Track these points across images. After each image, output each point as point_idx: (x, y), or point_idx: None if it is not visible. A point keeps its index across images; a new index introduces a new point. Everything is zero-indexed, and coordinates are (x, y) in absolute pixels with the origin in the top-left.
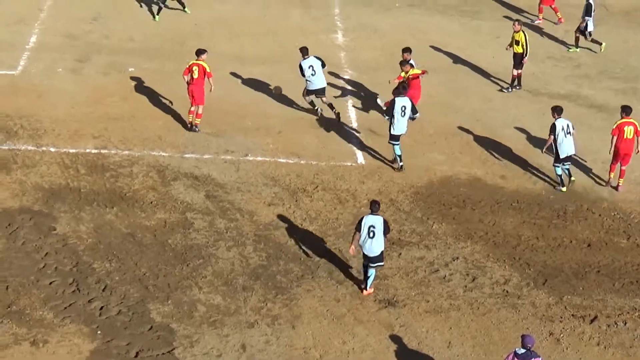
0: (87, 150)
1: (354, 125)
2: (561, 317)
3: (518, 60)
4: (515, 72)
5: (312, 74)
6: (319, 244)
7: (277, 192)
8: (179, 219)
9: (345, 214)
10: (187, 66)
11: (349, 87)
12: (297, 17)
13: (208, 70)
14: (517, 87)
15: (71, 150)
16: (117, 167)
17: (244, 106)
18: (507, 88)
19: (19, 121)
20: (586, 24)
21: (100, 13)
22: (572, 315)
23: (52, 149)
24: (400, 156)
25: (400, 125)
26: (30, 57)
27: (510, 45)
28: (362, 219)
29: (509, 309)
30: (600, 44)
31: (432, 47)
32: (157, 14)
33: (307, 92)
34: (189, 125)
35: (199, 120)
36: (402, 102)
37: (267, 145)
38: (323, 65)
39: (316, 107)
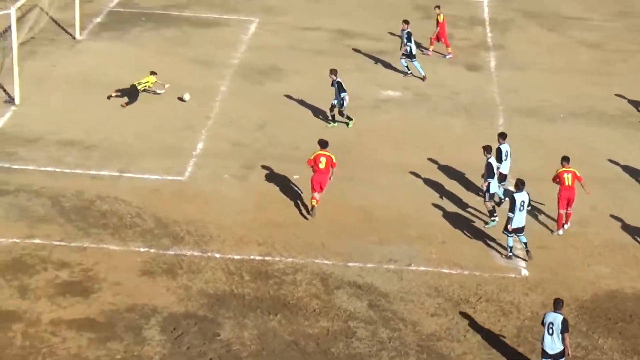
0: (252, 257)
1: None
2: None
3: None
4: None
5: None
6: (481, 355)
7: (440, 302)
8: (341, 328)
9: (508, 326)
10: (313, 157)
11: None
12: (461, 128)
13: (334, 160)
14: None
15: (236, 257)
16: (280, 274)
17: (407, 215)
18: None
19: (185, 227)
20: None
21: (267, 121)
22: None
23: (217, 255)
24: (511, 247)
25: (519, 220)
26: (197, 163)
27: None
28: (544, 315)
29: None
30: None
31: (596, 157)
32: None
33: (489, 196)
34: (310, 212)
35: (317, 204)
36: (521, 197)
37: (430, 255)
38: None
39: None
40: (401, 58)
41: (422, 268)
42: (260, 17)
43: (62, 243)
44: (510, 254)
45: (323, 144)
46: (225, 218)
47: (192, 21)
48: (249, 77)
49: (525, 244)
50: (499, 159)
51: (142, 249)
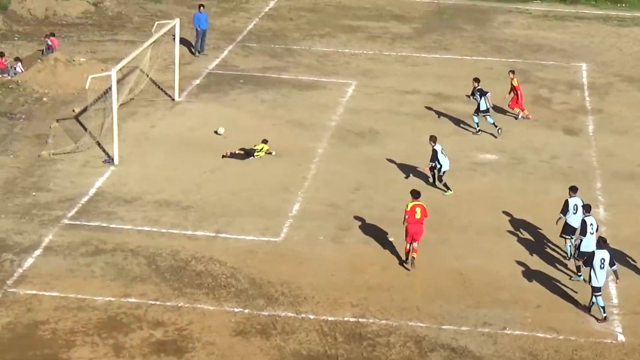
0: (346, 319)
1: (615, 301)
2: None
3: None
4: None
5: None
6: None
7: None
8: None
9: None
10: (409, 208)
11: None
12: (558, 192)
13: (426, 211)
14: None
15: (330, 318)
16: (374, 336)
17: (501, 278)
18: None
19: (280, 288)
20: None
21: (363, 183)
22: None
23: (312, 316)
24: (603, 307)
25: (601, 277)
26: (293, 224)
27: None
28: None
29: None
30: None
31: None
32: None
33: (579, 253)
34: (408, 263)
35: (416, 254)
36: (601, 254)
37: (525, 319)
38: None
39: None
40: (474, 114)
41: (517, 332)
42: (358, 80)
43: (157, 302)
44: (605, 314)
45: (415, 194)
46: (319, 279)
47: (290, 83)
48: (346, 139)
49: (603, 308)
50: (565, 211)
51: (236, 309)
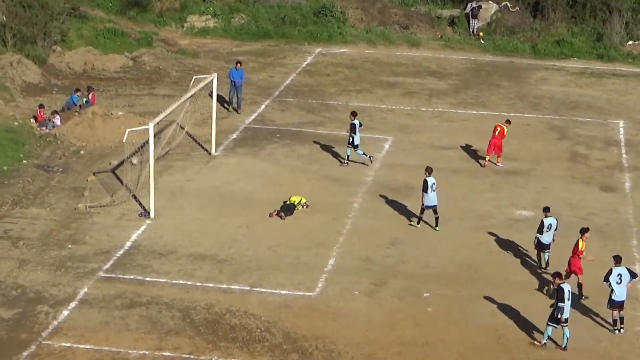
0: None
1: None
2: None
3: None
4: None
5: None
6: None
7: None
8: None
9: None
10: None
11: None
12: (594, 250)
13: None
14: None
15: None
16: None
17: (537, 335)
18: None
19: (314, 342)
20: None
21: (398, 239)
22: None
23: None
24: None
25: (620, 292)
26: (328, 279)
27: None
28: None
29: None
30: None
31: None
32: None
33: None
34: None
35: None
36: (618, 270)
37: None
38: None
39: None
40: (347, 147)
41: None
42: (395, 135)
43: (192, 356)
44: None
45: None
46: (354, 334)
47: (326, 138)
48: (382, 195)
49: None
50: (540, 231)
51: None
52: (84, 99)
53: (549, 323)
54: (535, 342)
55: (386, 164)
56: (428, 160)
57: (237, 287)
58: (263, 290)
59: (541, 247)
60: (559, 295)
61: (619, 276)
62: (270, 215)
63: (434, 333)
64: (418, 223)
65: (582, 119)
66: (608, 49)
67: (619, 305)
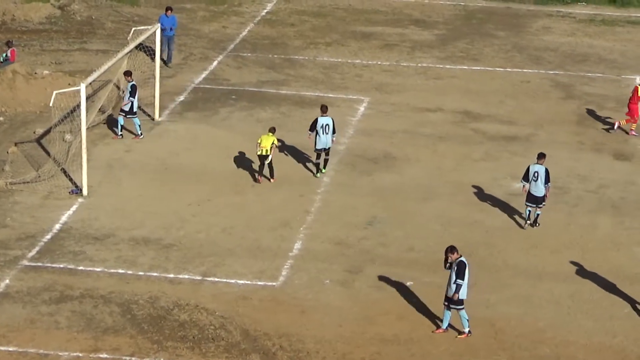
0: None
1: None
2: None
3: None
4: None
5: None
6: None
7: None
8: None
9: None
10: None
11: None
12: (608, 227)
13: None
14: None
15: None
16: None
17: (540, 329)
18: None
19: (278, 341)
20: None
21: (377, 217)
22: None
23: None
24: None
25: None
26: (293, 266)
27: None
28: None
29: None
30: None
31: None
32: None
33: None
34: None
35: None
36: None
37: None
38: None
39: None
40: (119, 115)
41: None
42: (371, 95)
43: (133, 358)
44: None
45: None
46: (325, 331)
47: (291, 100)
48: (357, 166)
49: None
50: (526, 178)
51: None
52: (3, 56)
53: (448, 304)
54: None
55: (362, 129)
56: (411, 125)
57: (186, 276)
58: (217, 279)
59: (530, 200)
60: (460, 270)
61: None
62: (256, 180)
63: (420, 328)
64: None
65: (592, 75)
66: None
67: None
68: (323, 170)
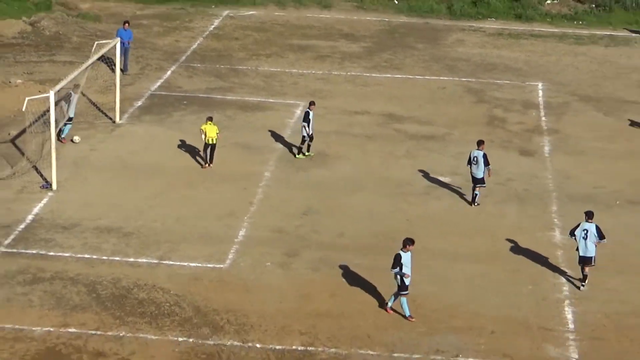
0: (294, 347)
1: (571, 327)
2: None
3: None
4: None
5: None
6: None
7: None
8: None
9: None
10: None
11: (566, 288)
12: (513, 216)
13: None
14: None
15: (277, 347)
16: None
17: (455, 304)
18: None
19: (225, 316)
20: None
21: (311, 207)
22: None
23: (258, 345)
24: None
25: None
26: (239, 250)
27: None
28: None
29: None
30: None
31: None
32: None
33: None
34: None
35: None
36: (585, 226)
37: (479, 346)
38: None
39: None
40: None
41: (471, 359)
42: (307, 100)
43: (98, 332)
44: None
45: None
46: (266, 307)
47: (235, 104)
48: (294, 163)
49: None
50: (468, 162)
51: (180, 339)
52: None
53: (402, 293)
54: (411, 318)
55: (298, 130)
56: (342, 126)
57: (144, 260)
58: (172, 263)
59: (474, 181)
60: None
61: (585, 232)
62: (202, 167)
63: (350, 304)
64: (298, 154)
65: (500, 82)
66: (526, 8)
67: (583, 261)
68: (307, 154)
